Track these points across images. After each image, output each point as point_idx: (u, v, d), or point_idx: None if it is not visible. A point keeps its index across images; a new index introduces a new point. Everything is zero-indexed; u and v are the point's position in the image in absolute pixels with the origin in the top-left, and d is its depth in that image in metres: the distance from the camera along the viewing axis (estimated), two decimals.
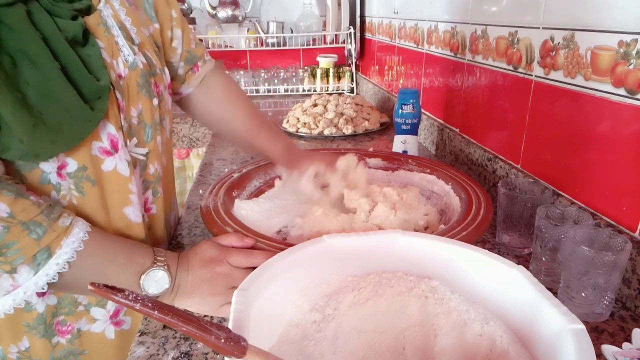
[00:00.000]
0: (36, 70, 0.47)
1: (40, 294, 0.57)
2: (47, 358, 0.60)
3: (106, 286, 0.30)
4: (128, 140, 0.59)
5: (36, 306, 0.57)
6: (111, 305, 0.62)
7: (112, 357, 0.63)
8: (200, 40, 1.96)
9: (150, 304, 0.30)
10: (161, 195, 0.67)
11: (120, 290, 0.30)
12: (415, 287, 0.48)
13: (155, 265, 0.54)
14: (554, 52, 0.72)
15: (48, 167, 0.51)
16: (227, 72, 1.99)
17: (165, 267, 0.55)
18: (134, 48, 0.60)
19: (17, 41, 0.46)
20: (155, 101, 0.64)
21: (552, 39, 0.72)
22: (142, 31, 0.64)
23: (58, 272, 0.49)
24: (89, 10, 0.54)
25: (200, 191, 1.00)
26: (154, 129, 0.64)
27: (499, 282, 0.45)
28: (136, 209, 0.60)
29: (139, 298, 0.30)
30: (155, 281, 0.54)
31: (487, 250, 0.47)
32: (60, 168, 0.52)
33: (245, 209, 0.75)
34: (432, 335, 0.44)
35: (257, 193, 0.85)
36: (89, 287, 0.30)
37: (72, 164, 0.53)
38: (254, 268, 0.52)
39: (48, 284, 0.49)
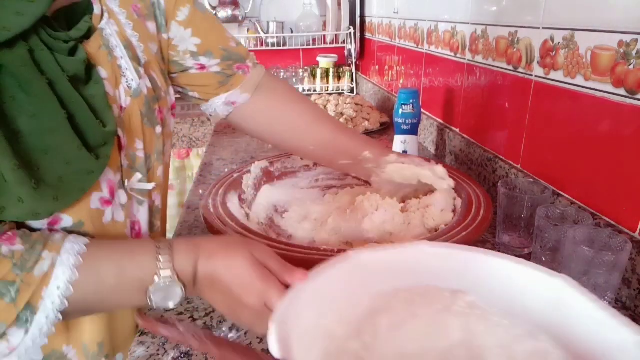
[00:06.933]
0: (36, 121, 0.42)
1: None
2: None
3: (156, 319, 0.27)
4: (127, 180, 0.53)
5: None
6: None
7: None
8: None
9: (203, 336, 0.27)
10: (158, 229, 0.62)
11: (171, 324, 0.27)
12: (452, 304, 0.45)
13: (157, 277, 0.46)
14: (554, 52, 0.72)
15: (37, 224, 0.46)
16: None
17: (172, 277, 0.46)
18: (140, 70, 0.55)
19: (20, 89, 0.42)
20: (159, 129, 0.58)
21: (552, 39, 0.72)
22: (150, 47, 0.59)
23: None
24: (89, 33, 0.50)
25: (200, 191, 1.00)
26: (157, 159, 0.59)
27: (541, 293, 0.42)
28: None
29: (190, 331, 0.28)
30: (163, 296, 0.46)
31: (524, 260, 0.44)
32: (53, 224, 0.46)
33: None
34: (477, 356, 0.41)
35: None
36: (138, 320, 0.27)
37: (66, 220, 0.47)
38: None
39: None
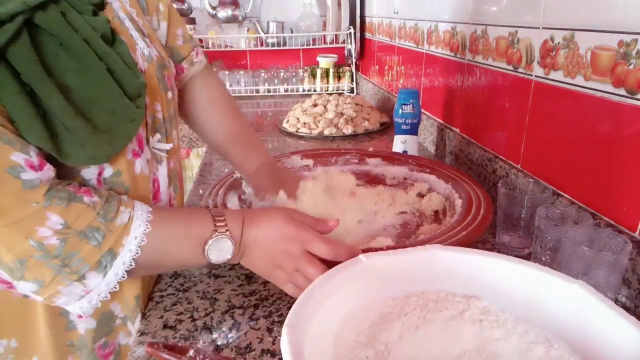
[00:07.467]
0: (81, 75, 0.46)
1: (79, 316, 0.55)
2: None
3: (165, 346, 0.28)
4: (151, 137, 0.58)
5: (77, 326, 0.56)
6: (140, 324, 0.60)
7: None
8: (201, 41, 1.94)
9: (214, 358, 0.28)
10: (179, 190, 0.66)
11: (183, 352, 0.28)
12: (466, 309, 0.45)
13: (215, 233, 0.53)
14: (554, 52, 0.72)
15: (89, 174, 0.50)
16: (226, 72, 1.99)
17: (227, 234, 0.53)
18: (146, 40, 0.59)
19: (61, 47, 0.45)
20: (170, 94, 0.62)
21: (552, 39, 0.72)
22: (146, 23, 0.62)
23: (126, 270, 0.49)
24: (102, 4, 0.53)
25: (200, 191, 1.00)
26: (170, 123, 0.63)
27: (557, 299, 0.41)
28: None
29: (206, 357, 0.28)
30: (219, 249, 0.53)
31: (538, 264, 0.44)
32: (99, 174, 0.51)
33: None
34: None
35: None
36: (147, 349, 0.28)
37: (108, 169, 0.51)
38: (324, 261, 0.52)
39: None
